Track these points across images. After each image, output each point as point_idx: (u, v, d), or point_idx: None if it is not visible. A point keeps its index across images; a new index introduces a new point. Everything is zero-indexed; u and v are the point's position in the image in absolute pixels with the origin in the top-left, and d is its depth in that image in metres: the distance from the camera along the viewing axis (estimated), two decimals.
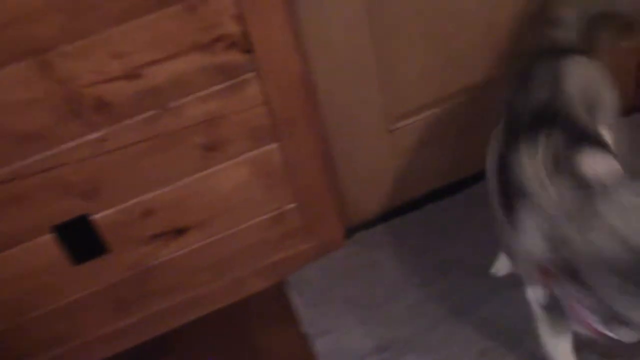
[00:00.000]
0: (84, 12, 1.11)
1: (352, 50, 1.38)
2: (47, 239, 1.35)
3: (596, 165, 0.99)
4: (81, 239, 1.38)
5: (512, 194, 1.05)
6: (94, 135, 1.25)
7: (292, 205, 1.53)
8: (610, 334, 0.95)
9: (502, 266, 1.48)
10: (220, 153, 1.37)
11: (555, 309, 1.04)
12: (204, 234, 1.50)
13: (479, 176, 1.51)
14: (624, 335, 0.95)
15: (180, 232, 1.47)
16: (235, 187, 1.44)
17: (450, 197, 1.70)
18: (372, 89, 1.46)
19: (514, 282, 1.28)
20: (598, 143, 1.04)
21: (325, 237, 1.63)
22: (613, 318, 0.90)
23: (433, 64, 1.48)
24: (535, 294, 1.11)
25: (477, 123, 1.57)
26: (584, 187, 0.94)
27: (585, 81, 1.14)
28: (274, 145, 1.41)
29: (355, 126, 1.51)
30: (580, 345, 1.21)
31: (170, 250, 1.49)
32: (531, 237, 0.99)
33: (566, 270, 0.93)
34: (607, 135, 1.15)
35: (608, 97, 1.19)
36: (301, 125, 1.39)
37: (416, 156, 1.61)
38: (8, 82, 1.13)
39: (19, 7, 1.07)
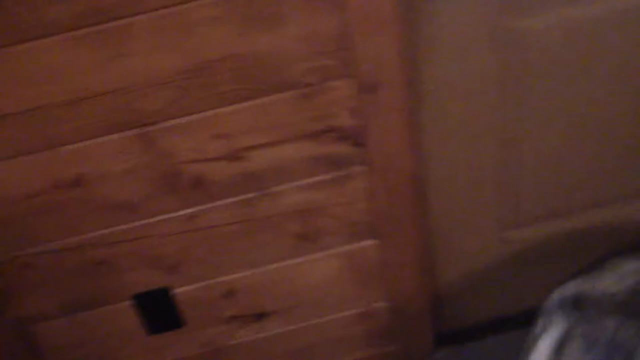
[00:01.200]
0: (195, 89, 1.06)
1: (471, 155, 1.27)
2: (126, 306, 1.30)
3: None
4: (159, 311, 1.32)
5: None
6: (187, 211, 1.19)
7: (382, 305, 1.42)
8: None
9: None
10: (313, 243, 1.29)
11: None
12: (284, 321, 1.41)
13: None
14: None
15: (260, 316, 1.38)
16: (325, 279, 1.35)
17: None
18: (487, 195, 1.34)
19: None
20: None
21: (413, 343, 1.50)
22: None
23: (558, 175, 1.34)
24: None
25: (599, 246, 1.41)
26: None
27: None
28: (372, 242, 1.31)
29: (465, 231, 1.38)
30: None
31: (247, 333, 1.41)
32: None
33: None
34: None
35: None
36: (405, 225, 1.29)
37: (528, 271, 1.47)
38: (107, 151, 1.10)
39: (130, 79, 1.03)
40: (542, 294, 1.51)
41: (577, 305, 1.01)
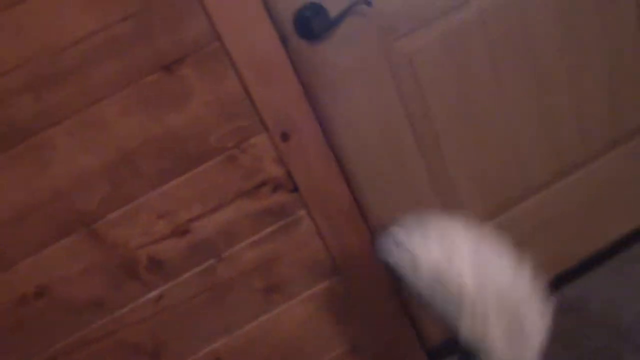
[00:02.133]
0: (126, 179, 1.13)
1: (398, 166, 1.34)
2: None
3: None
4: None
5: None
6: (152, 294, 1.25)
7: (364, 338, 1.46)
8: None
9: None
10: (280, 294, 1.34)
11: None
12: None
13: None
14: None
15: None
16: (301, 324, 1.39)
17: None
18: (427, 202, 1.40)
19: None
20: None
21: None
22: None
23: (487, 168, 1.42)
24: None
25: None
26: None
27: None
28: (334, 279, 1.36)
29: None
30: None
31: None
32: None
33: None
34: None
35: None
36: (359, 254, 1.34)
37: None
38: (60, 256, 1.16)
39: (63, 185, 1.11)
40: None
41: None
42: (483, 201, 1.45)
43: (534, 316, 0.87)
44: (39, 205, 1.11)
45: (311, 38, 1.15)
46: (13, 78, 1.02)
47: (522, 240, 1.34)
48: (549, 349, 0.86)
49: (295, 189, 1.23)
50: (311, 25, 1.13)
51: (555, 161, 1.46)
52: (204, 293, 1.28)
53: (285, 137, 1.16)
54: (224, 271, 1.27)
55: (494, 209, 1.48)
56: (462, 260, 0.87)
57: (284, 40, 1.12)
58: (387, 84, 1.25)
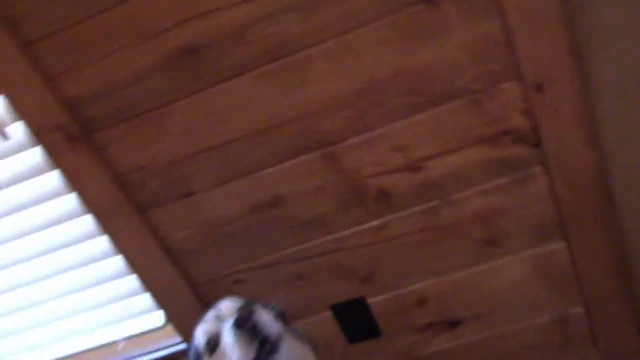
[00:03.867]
0: (371, 108, 1.15)
1: None
2: (327, 316, 1.41)
3: None
4: (357, 321, 1.40)
5: None
6: (374, 223, 1.27)
7: (578, 310, 1.38)
8: None
9: None
10: (499, 248, 1.30)
11: None
12: (478, 329, 1.42)
13: None
14: None
15: (453, 324, 1.41)
16: (514, 283, 1.35)
17: None
18: None
19: None
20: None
21: (615, 350, 1.44)
22: None
23: None
24: None
25: None
26: None
27: None
28: (560, 244, 1.29)
29: None
30: None
31: (442, 341, 1.44)
32: None
33: None
34: None
35: None
36: (592, 224, 1.25)
37: None
38: (297, 172, 1.22)
39: (311, 105, 1.15)
40: None
41: None
42: None
43: None
44: (285, 122, 1.17)
45: None
46: None
47: None
48: None
49: (537, 145, 1.17)
50: None
51: None
52: (424, 232, 1.28)
53: (539, 88, 1.10)
54: (447, 214, 1.26)
55: None
56: None
57: None
58: None
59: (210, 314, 1.04)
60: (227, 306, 1.04)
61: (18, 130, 1.24)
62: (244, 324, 0.97)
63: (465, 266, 1.33)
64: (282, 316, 1.02)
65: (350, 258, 1.32)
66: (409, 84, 1.12)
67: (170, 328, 1.46)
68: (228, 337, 0.97)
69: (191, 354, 1.03)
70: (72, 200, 1.31)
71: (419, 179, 1.22)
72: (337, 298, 1.38)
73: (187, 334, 1.42)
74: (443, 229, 1.28)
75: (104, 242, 1.35)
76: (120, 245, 1.32)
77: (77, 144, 1.21)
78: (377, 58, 1.10)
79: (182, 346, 1.47)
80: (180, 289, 1.36)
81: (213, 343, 0.99)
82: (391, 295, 1.37)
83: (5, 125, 1.25)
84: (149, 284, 1.37)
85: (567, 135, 1.15)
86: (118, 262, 1.37)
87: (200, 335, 1.01)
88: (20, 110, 1.19)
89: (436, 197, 1.25)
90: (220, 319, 1.02)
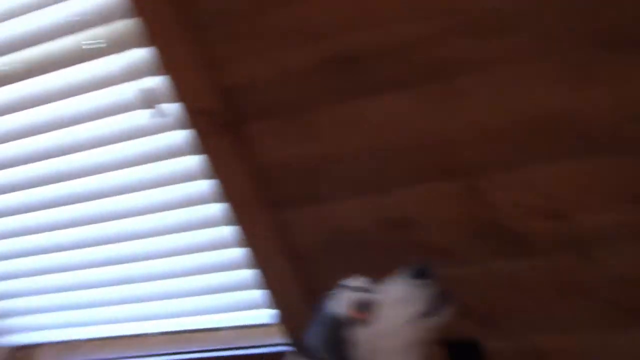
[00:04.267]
0: (526, 146, 1.10)
1: None
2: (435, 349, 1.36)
3: None
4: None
5: None
6: (504, 264, 1.22)
7: None
8: None
9: None
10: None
11: None
12: None
13: None
14: None
15: None
16: None
17: None
18: None
19: None
20: None
21: None
22: None
23: None
24: None
25: None
26: None
27: None
28: None
29: None
30: None
31: None
32: None
33: None
34: None
35: None
36: None
37: None
38: (432, 197, 1.19)
39: (461, 132, 1.12)
40: None
41: None
42: None
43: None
44: (430, 143, 1.14)
45: None
46: (459, 21, 1.04)
47: None
48: None
49: None
50: None
51: None
52: (557, 284, 1.20)
53: None
54: (587, 271, 1.18)
55: None
56: None
57: None
58: None
59: (342, 292, 1.05)
60: (359, 281, 1.07)
61: (173, 110, 1.29)
62: (423, 275, 1.01)
63: (596, 329, 1.24)
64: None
65: (470, 296, 1.26)
66: (572, 127, 1.06)
67: (276, 327, 1.47)
68: (403, 288, 1.01)
69: (324, 329, 1.03)
70: (209, 185, 1.34)
71: (562, 228, 1.15)
72: (448, 333, 1.33)
73: (295, 335, 1.42)
74: (579, 285, 1.20)
75: (231, 231, 1.38)
76: (249, 238, 1.34)
77: (226, 131, 1.24)
78: (543, 96, 1.05)
79: (283, 348, 1.47)
80: (296, 292, 1.36)
81: (364, 305, 1.01)
82: (509, 344, 1.30)
83: (162, 103, 1.30)
84: (268, 281, 1.38)
85: None
86: (242, 253, 1.39)
87: (340, 304, 1.03)
88: (180, 91, 1.24)
89: (579, 251, 1.17)
90: (360, 290, 1.04)
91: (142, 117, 1.33)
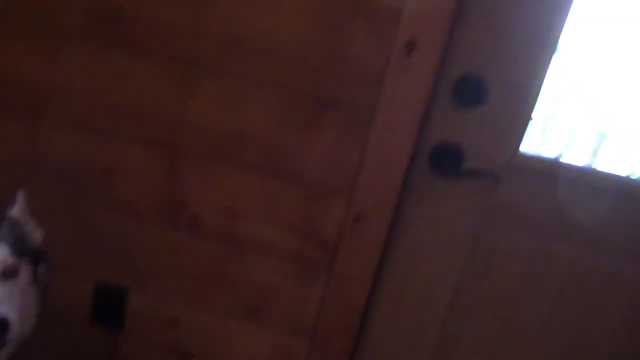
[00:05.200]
0: (213, 148, 1.28)
1: None
2: None
3: None
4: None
5: None
6: (169, 235, 1.38)
7: None
8: None
9: None
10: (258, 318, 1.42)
11: None
12: None
13: None
14: None
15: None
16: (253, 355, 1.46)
17: None
18: None
19: None
20: None
21: None
22: None
23: None
24: None
25: None
26: None
27: None
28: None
29: None
30: None
31: None
32: None
33: None
34: None
35: None
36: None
37: None
38: (136, 158, 1.33)
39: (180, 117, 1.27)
40: None
41: None
42: None
43: None
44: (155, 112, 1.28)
45: None
46: None
47: None
48: None
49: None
50: None
51: None
52: None
53: None
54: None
55: None
56: None
57: None
58: None
59: None
60: None
61: None
62: None
63: (228, 317, 1.44)
64: None
65: (134, 252, 1.41)
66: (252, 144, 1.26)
67: None
68: None
69: None
70: None
71: (229, 226, 1.34)
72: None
73: None
74: (225, 277, 1.39)
75: None
76: None
77: None
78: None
79: None
80: None
81: None
82: (148, 303, 1.46)
83: None
84: None
85: None
86: None
87: None
88: None
89: (235, 250, 1.36)
90: None
91: None
